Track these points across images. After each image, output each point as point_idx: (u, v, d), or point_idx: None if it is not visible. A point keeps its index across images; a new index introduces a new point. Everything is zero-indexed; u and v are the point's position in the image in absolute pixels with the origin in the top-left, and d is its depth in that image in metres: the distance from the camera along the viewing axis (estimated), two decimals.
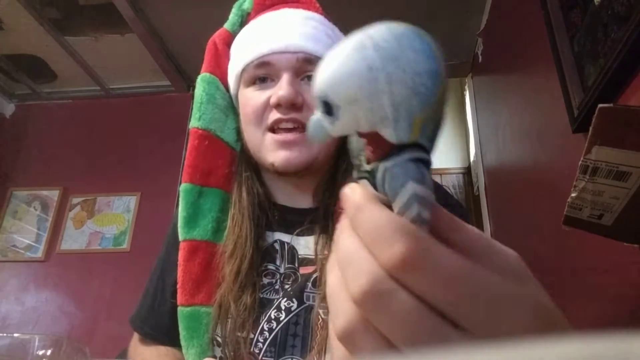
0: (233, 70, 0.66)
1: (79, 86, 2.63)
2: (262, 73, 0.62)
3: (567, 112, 0.97)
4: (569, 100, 0.97)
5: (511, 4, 1.62)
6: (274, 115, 0.60)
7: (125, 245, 2.27)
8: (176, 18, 2.05)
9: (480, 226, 2.35)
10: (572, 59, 0.98)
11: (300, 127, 0.60)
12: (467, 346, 0.12)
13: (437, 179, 3.25)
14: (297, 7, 0.67)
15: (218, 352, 0.58)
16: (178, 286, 0.59)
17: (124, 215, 2.35)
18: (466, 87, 2.64)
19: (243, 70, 0.64)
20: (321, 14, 0.69)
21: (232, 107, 0.70)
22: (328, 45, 0.63)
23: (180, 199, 0.63)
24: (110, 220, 2.35)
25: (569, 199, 0.55)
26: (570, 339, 0.11)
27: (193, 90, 2.58)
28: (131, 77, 2.55)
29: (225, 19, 0.72)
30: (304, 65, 0.61)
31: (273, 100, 0.59)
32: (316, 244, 0.61)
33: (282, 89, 0.59)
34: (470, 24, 2.05)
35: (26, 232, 2.39)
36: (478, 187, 2.36)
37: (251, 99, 0.62)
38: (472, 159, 2.93)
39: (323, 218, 0.62)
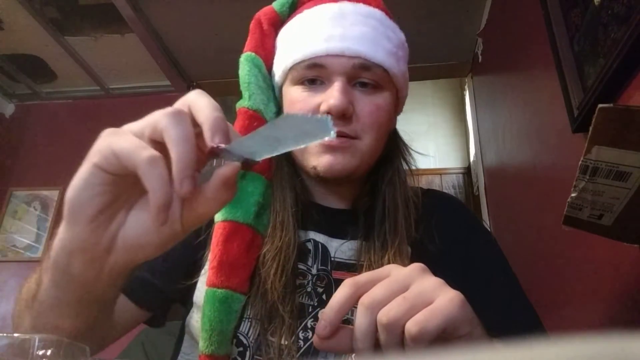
0: (280, 63, 0.62)
1: (79, 86, 2.63)
2: (312, 75, 0.58)
3: (567, 112, 0.97)
4: (568, 100, 0.97)
5: (511, 4, 1.62)
6: None
7: None
8: (176, 18, 2.05)
9: None
10: (572, 59, 0.97)
11: (346, 135, 0.57)
12: (467, 347, 0.12)
13: (437, 179, 3.25)
14: (358, 0, 0.61)
15: (235, 352, 0.54)
16: (211, 266, 0.55)
17: None
18: (466, 87, 2.63)
19: (292, 68, 0.60)
20: (382, 8, 0.63)
21: (272, 91, 0.66)
22: (387, 50, 0.59)
23: None
24: None
25: (568, 199, 0.55)
26: (570, 339, 0.11)
27: (193, 90, 2.58)
28: (131, 77, 2.54)
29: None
30: (359, 72, 0.58)
31: (323, 109, 0.56)
32: (358, 250, 0.60)
33: (333, 97, 0.55)
34: (470, 24, 2.05)
35: (26, 232, 2.39)
36: (478, 187, 2.36)
37: (299, 101, 0.59)
38: (472, 159, 2.93)
39: (363, 226, 0.61)
